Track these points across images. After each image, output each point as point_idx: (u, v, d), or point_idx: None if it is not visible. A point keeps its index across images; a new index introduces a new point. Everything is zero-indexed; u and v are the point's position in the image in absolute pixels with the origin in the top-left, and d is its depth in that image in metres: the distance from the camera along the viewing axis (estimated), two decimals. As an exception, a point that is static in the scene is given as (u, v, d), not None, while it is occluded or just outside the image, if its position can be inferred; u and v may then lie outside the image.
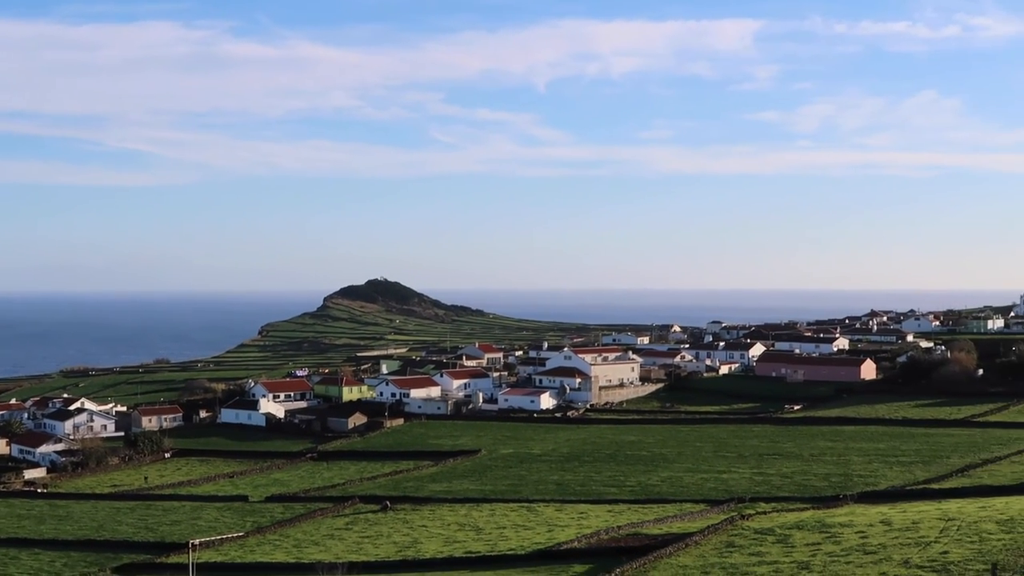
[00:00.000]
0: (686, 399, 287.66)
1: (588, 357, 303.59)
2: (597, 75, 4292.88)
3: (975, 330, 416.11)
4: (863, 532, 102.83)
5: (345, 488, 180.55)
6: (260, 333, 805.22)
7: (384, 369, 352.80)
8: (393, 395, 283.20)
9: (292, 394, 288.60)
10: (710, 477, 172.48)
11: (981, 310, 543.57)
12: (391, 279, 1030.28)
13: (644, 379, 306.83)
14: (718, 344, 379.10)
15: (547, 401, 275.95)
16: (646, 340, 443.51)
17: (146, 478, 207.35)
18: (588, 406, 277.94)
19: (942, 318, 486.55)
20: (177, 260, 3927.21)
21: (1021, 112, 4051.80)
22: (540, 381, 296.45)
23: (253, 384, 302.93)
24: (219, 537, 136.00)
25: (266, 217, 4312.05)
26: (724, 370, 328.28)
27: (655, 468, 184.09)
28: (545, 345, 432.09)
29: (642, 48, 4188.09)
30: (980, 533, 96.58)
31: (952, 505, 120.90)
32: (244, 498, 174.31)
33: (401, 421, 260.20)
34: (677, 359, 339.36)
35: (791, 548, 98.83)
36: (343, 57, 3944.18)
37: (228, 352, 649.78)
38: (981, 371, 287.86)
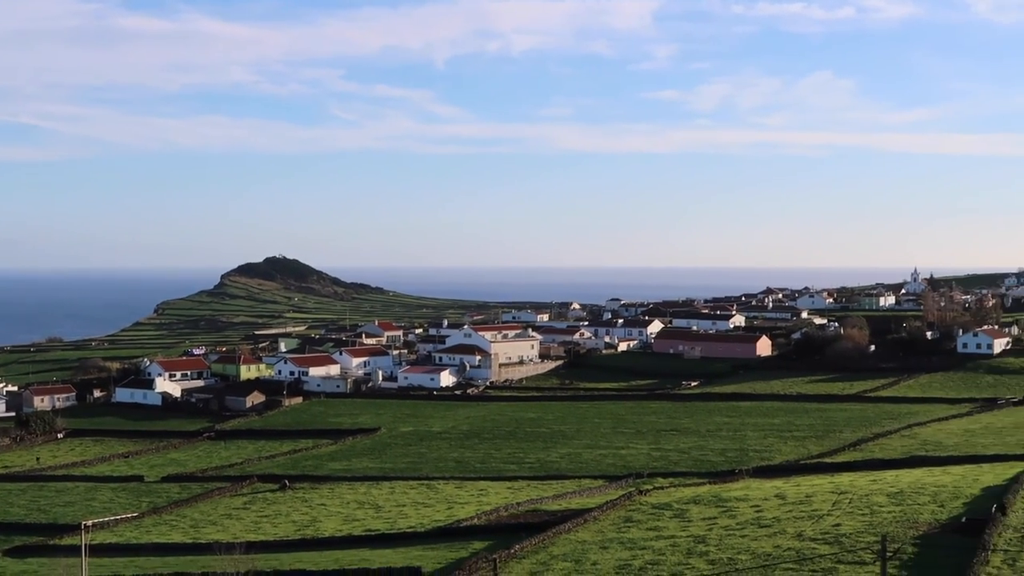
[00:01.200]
0: (585, 376, 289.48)
1: (488, 335, 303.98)
2: (497, 53, 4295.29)
3: (867, 307, 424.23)
4: (758, 506, 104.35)
5: (243, 467, 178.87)
6: (156, 311, 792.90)
7: (283, 347, 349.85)
8: (292, 373, 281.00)
9: (189, 373, 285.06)
10: (609, 453, 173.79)
11: (873, 287, 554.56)
12: (290, 257, 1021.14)
13: (544, 356, 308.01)
14: (617, 321, 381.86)
15: (447, 379, 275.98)
16: (546, 318, 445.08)
17: (38, 459, 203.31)
18: (488, 383, 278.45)
19: (835, 295, 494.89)
20: (72, 236, 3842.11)
21: (913, 93, 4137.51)
22: (440, 359, 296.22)
23: (149, 363, 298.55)
24: (114, 518, 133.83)
25: (162, 193, 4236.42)
26: (623, 347, 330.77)
27: (554, 445, 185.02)
28: (445, 323, 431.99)
29: (542, 26, 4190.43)
30: (871, 506, 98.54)
31: (844, 478, 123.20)
32: (140, 478, 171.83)
33: (300, 400, 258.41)
34: (576, 336, 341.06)
35: (688, 522, 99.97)
36: (240, 32, 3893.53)
37: (123, 331, 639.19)
38: (873, 347, 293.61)
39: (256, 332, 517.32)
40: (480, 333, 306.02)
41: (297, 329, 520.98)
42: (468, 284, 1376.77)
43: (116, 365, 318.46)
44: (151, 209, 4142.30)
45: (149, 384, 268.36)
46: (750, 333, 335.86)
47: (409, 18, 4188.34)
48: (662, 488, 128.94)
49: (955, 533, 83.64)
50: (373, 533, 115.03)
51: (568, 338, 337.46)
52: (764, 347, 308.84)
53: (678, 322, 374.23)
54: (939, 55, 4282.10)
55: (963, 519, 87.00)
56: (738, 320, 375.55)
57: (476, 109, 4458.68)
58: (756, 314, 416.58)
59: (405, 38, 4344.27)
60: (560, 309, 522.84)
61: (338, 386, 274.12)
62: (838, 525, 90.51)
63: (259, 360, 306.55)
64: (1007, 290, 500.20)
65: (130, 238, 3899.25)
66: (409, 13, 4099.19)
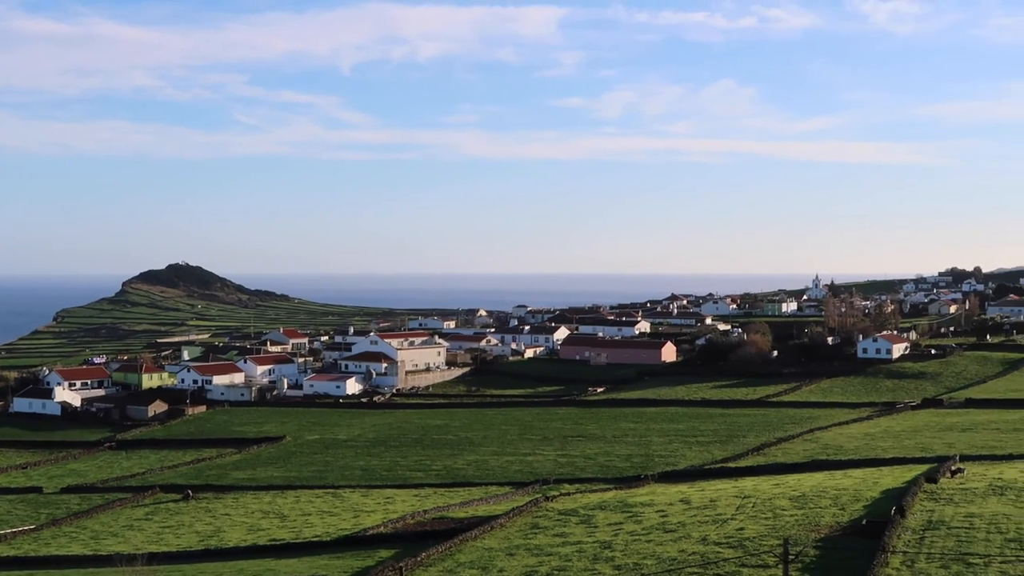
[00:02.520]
0: (492, 383, 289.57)
1: (395, 342, 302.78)
2: (403, 59, 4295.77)
3: (770, 313, 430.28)
4: (663, 511, 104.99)
5: (145, 477, 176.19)
6: (55, 319, 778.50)
7: (186, 355, 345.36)
8: (195, 382, 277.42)
9: (89, 382, 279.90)
10: (515, 460, 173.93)
11: (776, 294, 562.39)
12: (193, 264, 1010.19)
13: (450, 363, 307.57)
14: (523, 328, 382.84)
15: (353, 386, 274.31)
16: (452, 324, 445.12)
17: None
18: (394, 391, 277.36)
19: (739, 301, 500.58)
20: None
21: (813, 101, 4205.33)
22: (346, 366, 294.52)
23: (48, 372, 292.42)
24: (11, 531, 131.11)
25: (61, 199, 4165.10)
26: (529, 354, 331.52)
27: (461, 452, 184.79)
28: (351, 330, 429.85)
29: (448, 33, 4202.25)
30: (774, 509, 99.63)
31: (748, 483, 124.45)
32: (38, 489, 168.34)
33: (204, 408, 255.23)
34: (483, 343, 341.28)
35: (594, 528, 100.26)
36: (142, 36, 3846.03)
37: (21, 339, 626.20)
38: (776, 352, 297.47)
39: (158, 340, 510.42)
40: (386, 340, 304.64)
41: (200, 337, 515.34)
42: (376, 291, 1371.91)
43: (13, 374, 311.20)
44: (49, 215, 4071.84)
45: (48, 394, 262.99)
46: (655, 339, 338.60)
47: (315, 23, 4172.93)
48: (568, 494, 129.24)
49: (856, 535, 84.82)
50: (278, 543, 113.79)
51: (475, 345, 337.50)
52: (669, 353, 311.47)
53: (584, 328, 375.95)
54: (838, 65, 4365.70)
55: (863, 521, 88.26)
56: (644, 326, 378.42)
57: (382, 115, 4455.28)
58: (661, 320, 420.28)
59: (311, 43, 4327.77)
60: (467, 316, 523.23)
61: (243, 394, 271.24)
62: (742, 529, 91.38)
63: (161, 369, 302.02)
64: (905, 296, 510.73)
65: (27, 244, 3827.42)
66: (314, 18, 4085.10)
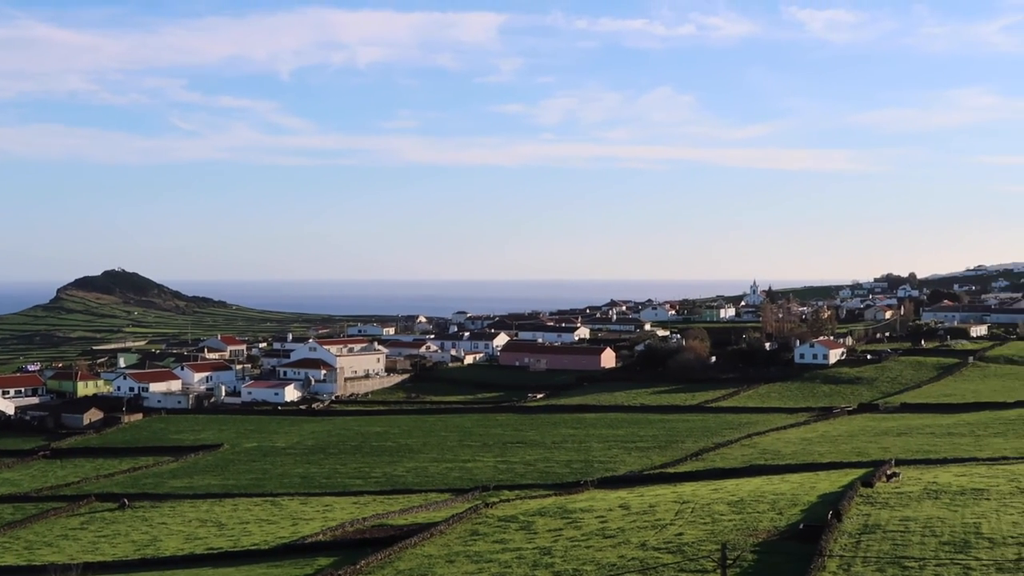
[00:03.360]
0: (432, 389, 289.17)
1: (334, 348, 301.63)
2: (343, 64, 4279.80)
3: (709, 319, 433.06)
4: (603, 516, 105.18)
5: (80, 486, 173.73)
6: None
7: (122, 363, 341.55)
8: (131, 389, 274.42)
9: (23, 390, 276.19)
10: (455, 466, 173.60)
11: (714, 299, 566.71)
12: (129, 270, 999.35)
13: (390, 370, 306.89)
14: (463, 334, 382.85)
15: (292, 393, 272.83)
16: (392, 331, 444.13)
17: None
18: (334, 398, 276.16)
19: (678, 307, 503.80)
20: None
21: (750, 109, 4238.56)
22: (284, 373, 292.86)
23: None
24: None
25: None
26: (469, 360, 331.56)
27: (401, 459, 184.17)
28: (290, 337, 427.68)
29: (388, 38, 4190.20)
30: (712, 514, 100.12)
31: (687, 488, 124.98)
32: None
33: (140, 416, 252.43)
34: (423, 349, 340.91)
35: (534, 534, 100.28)
36: (78, 39, 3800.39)
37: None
38: (714, 358, 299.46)
39: (94, 347, 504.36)
40: (325, 347, 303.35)
41: (137, 344, 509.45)
42: (315, 297, 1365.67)
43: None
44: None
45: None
46: (595, 345, 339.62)
47: (253, 28, 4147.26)
48: (508, 501, 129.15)
49: (793, 540, 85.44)
50: (216, 551, 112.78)
51: (414, 351, 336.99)
52: (608, 359, 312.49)
53: (524, 335, 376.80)
54: (775, 72, 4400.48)
55: (801, 526, 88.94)
56: (583, 332, 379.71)
57: (322, 121, 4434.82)
58: (601, 326, 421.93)
59: (249, 48, 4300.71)
60: (406, 322, 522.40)
61: (180, 402, 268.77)
62: (681, 534, 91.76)
63: (97, 376, 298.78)
64: (841, 302, 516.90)
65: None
66: (253, 23, 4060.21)
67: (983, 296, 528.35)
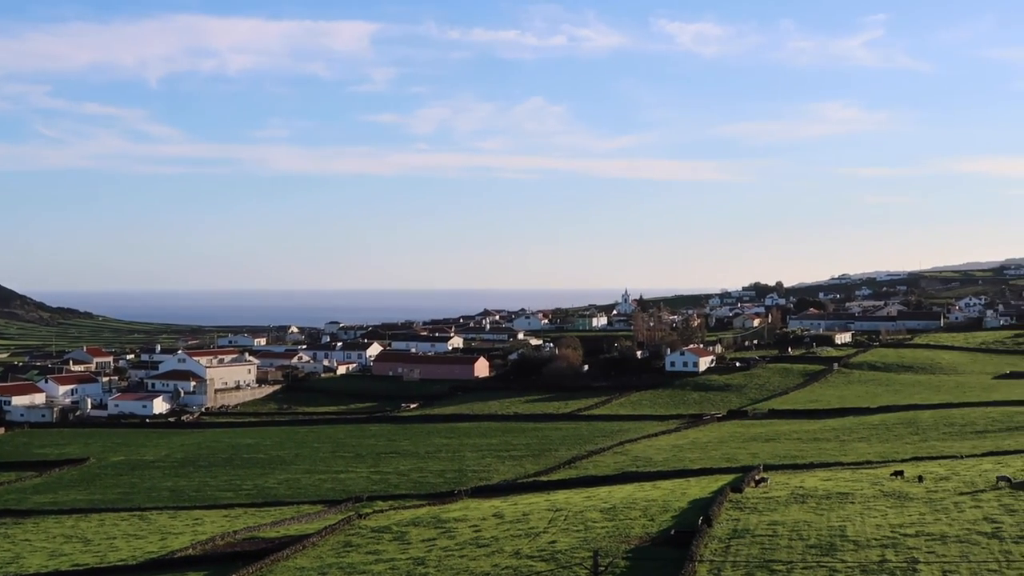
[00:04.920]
0: (304, 400, 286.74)
1: (203, 359, 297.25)
2: (213, 72, 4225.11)
3: (581, 327, 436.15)
4: (476, 526, 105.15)
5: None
6: None
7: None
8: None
9: None
10: (328, 477, 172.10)
11: (586, 308, 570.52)
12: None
13: (261, 381, 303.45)
14: (336, 344, 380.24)
15: (160, 405, 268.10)
16: (263, 341, 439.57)
17: None
18: (204, 409, 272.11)
19: (551, 316, 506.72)
20: None
21: (621, 120, 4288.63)
22: (153, 385, 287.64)
23: None
24: None
25: None
26: (342, 370, 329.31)
27: (272, 471, 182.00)
28: (158, 348, 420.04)
29: (258, 46, 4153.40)
30: (585, 522, 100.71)
31: (560, 496, 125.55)
32: None
33: (2, 430, 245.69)
34: (295, 360, 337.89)
35: (407, 545, 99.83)
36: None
37: None
38: (587, 366, 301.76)
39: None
40: (195, 358, 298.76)
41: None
42: (185, 308, 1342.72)
43: None
44: None
45: None
46: (468, 355, 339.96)
47: (120, 35, 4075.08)
48: (382, 511, 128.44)
49: (665, 546, 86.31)
50: (81, 568, 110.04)
51: (286, 362, 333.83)
52: (482, 368, 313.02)
53: (397, 344, 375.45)
54: (646, 84, 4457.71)
55: (672, 532, 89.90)
56: (457, 342, 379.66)
57: (192, 129, 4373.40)
58: (474, 336, 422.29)
59: (116, 55, 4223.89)
60: (278, 333, 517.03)
61: (43, 415, 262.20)
62: (554, 542, 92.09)
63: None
64: (711, 310, 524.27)
65: None
66: (120, 30, 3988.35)
67: (847, 304, 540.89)
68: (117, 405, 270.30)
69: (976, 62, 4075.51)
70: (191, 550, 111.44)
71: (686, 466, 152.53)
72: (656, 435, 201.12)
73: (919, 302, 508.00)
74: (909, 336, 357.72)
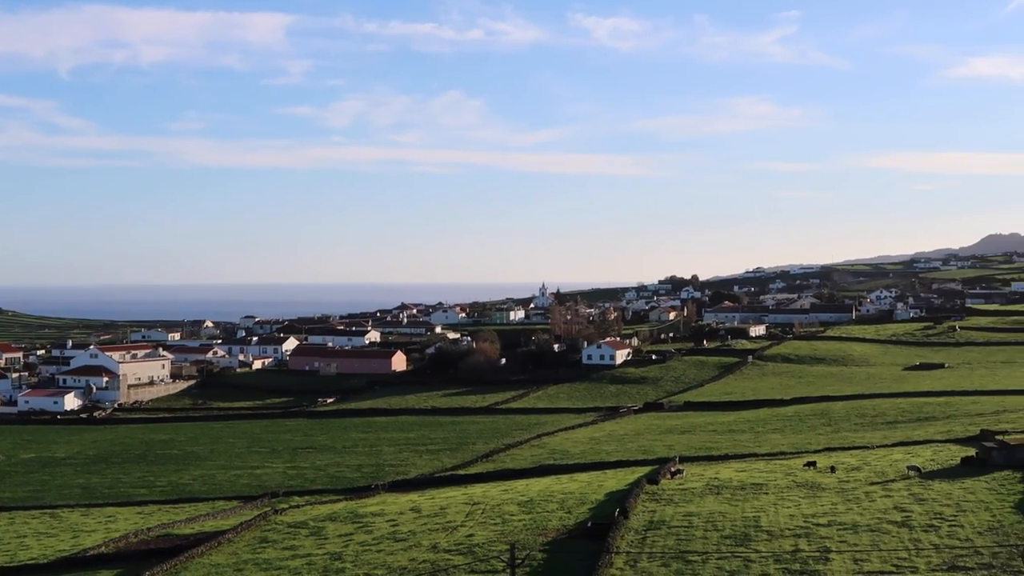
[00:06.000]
0: (219, 395, 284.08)
1: (116, 355, 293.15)
2: (125, 63, 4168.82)
3: (499, 321, 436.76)
4: (394, 520, 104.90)
5: None
6: None
7: None
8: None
9: None
10: (244, 473, 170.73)
11: (504, 302, 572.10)
12: None
13: (176, 376, 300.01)
14: (251, 339, 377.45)
15: (72, 401, 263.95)
16: (178, 336, 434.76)
17: None
18: (117, 405, 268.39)
19: (468, 310, 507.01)
20: None
21: (539, 114, 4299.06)
22: (64, 381, 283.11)
23: None
24: None
25: None
26: (258, 365, 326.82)
27: (187, 467, 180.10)
28: (70, 343, 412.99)
29: (172, 37, 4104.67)
30: (503, 515, 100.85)
31: (477, 490, 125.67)
32: None
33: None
34: (210, 355, 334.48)
35: (324, 540, 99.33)
36: None
37: None
38: (504, 360, 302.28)
39: None
40: (108, 353, 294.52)
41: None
42: (98, 303, 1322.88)
43: None
44: None
45: None
46: (386, 349, 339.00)
47: (29, 25, 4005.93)
48: (298, 506, 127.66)
49: (582, 538, 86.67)
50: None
51: (201, 357, 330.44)
52: (399, 362, 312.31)
53: (314, 339, 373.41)
54: (563, 78, 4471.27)
55: (589, 524, 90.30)
56: (374, 336, 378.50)
57: (104, 121, 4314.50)
58: (391, 330, 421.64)
59: (24, 45, 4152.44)
60: (192, 327, 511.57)
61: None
62: (471, 536, 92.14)
63: None
64: (628, 303, 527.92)
65: None
66: (28, 20, 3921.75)
67: (761, 297, 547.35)
68: (27, 401, 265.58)
69: (887, 58, 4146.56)
70: (104, 548, 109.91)
71: (603, 459, 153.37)
72: (573, 428, 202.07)
73: (832, 295, 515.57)
74: (822, 328, 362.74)
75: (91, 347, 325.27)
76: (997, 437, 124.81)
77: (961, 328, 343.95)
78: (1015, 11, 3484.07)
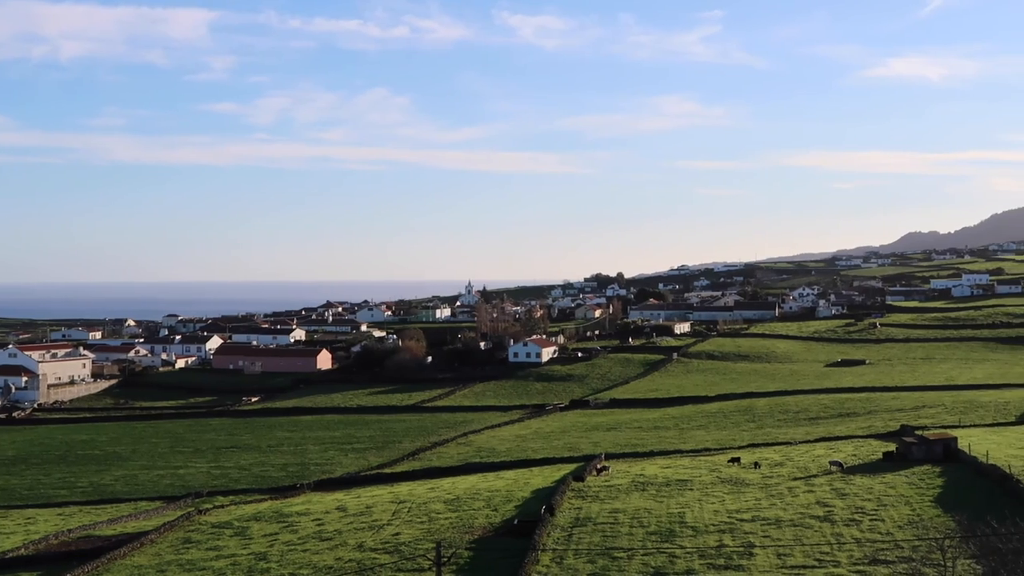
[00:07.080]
0: (142, 395, 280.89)
1: (36, 354, 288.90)
2: (43, 58, 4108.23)
3: (425, 319, 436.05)
4: (319, 519, 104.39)
5: None
6: None
7: None
8: None
9: None
10: (167, 473, 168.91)
11: (430, 300, 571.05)
12: None
13: (97, 375, 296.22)
14: (174, 338, 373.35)
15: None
16: (99, 335, 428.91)
17: None
18: (36, 405, 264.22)
19: (394, 308, 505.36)
20: None
21: (464, 112, 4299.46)
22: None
23: None
24: None
25: None
26: (181, 364, 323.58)
27: (109, 467, 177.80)
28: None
29: (92, 32, 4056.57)
30: (429, 513, 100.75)
31: (404, 488, 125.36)
32: None
33: None
34: (132, 354, 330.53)
35: (249, 540, 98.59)
36: None
37: None
38: (431, 358, 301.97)
39: None
40: (27, 353, 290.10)
41: None
42: (15, 301, 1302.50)
43: None
44: None
45: None
46: (311, 347, 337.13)
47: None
48: (222, 506, 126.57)
49: (508, 535, 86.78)
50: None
51: (123, 356, 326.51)
52: (325, 361, 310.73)
53: (238, 337, 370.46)
54: (488, 76, 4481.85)
55: (515, 521, 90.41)
56: (299, 334, 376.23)
57: (21, 117, 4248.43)
58: (317, 328, 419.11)
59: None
60: (114, 326, 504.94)
61: None
62: (398, 534, 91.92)
63: None
64: (553, 301, 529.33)
65: None
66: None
67: (686, 295, 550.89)
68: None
69: (808, 58, 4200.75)
70: (23, 550, 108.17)
71: (529, 456, 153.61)
72: (500, 426, 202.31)
73: (755, 292, 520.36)
74: (745, 326, 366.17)
75: (10, 346, 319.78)
76: (917, 432, 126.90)
77: (882, 325, 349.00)
78: (933, 13, 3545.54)
